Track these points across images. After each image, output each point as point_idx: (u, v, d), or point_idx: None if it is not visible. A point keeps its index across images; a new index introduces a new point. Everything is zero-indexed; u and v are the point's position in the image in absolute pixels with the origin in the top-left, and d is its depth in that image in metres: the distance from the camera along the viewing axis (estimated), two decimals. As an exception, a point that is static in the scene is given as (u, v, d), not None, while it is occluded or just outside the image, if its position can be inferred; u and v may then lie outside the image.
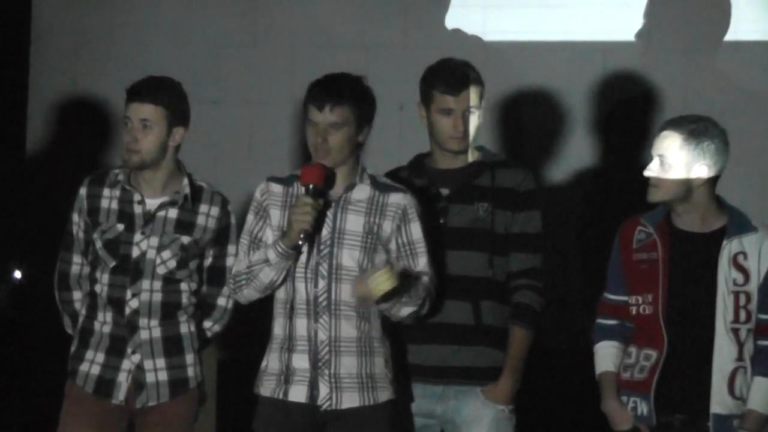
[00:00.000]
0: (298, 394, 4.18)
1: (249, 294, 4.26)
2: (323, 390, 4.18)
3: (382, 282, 4.04)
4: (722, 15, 5.74)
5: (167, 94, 4.36)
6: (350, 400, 4.19)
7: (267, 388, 4.23)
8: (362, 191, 4.26)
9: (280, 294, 4.25)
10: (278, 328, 4.25)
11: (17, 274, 5.88)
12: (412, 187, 4.40)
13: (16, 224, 5.84)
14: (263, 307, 4.35)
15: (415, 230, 4.28)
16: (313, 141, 4.20)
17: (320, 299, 4.19)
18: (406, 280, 4.14)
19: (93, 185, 4.44)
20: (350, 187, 4.24)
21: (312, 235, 4.15)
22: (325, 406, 4.17)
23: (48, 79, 6.04)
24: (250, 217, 4.30)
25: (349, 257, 4.19)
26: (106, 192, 4.41)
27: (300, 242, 4.11)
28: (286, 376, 4.20)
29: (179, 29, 6.02)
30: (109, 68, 5.99)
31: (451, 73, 4.42)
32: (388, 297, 4.10)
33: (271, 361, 4.24)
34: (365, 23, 5.95)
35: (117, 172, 4.43)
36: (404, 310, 4.23)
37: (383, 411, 4.23)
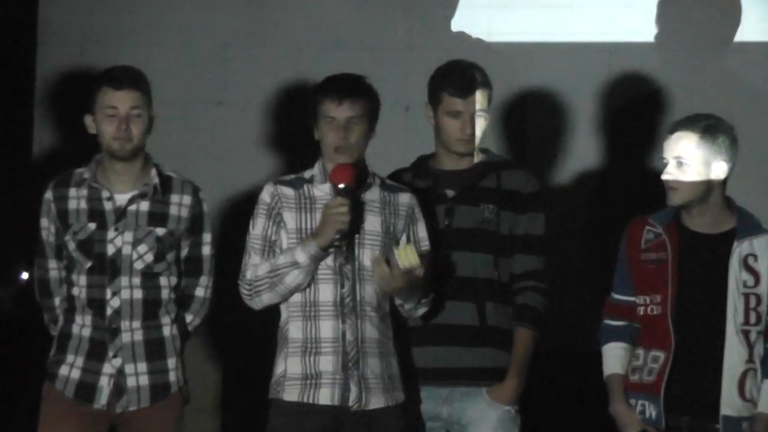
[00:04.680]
0: (328, 396, 4.16)
1: (269, 299, 4.22)
2: (354, 391, 4.17)
3: (406, 255, 4.04)
4: (728, 15, 5.74)
5: (144, 82, 4.35)
6: (377, 401, 4.19)
7: (291, 393, 4.18)
8: (373, 191, 4.27)
9: (296, 297, 4.22)
10: (296, 332, 4.21)
11: (24, 275, 5.88)
12: (416, 188, 4.41)
13: (23, 225, 5.83)
14: (268, 313, 4.34)
15: (421, 229, 4.31)
16: (332, 138, 4.19)
17: (346, 300, 4.18)
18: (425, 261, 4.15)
19: (58, 188, 4.38)
20: (365, 188, 4.25)
21: (347, 235, 4.14)
22: (354, 407, 4.16)
23: (54, 81, 6.05)
24: (261, 221, 4.26)
25: (371, 257, 4.19)
26: (72, 192, 4.35)
27: (337, 243, 4.11)
28: (314, 379, 4.17)
29: (184, 30, 6.01)
30: (114, 69, 5.99)
31: (461, 75, 4.43)
32: (409, 277, 4.09)
33: (292, 366, 4.20)
34: (370, 24, 5.94)
35: (81, 171, 4.38)
36: (420, 310, 4.27)
37: (401, 412, 4.25)
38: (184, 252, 4.39)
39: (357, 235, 4.19)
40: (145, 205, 4.32)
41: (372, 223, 4.23)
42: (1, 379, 5.70)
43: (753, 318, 4.14)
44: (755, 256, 4.16)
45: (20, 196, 5.82)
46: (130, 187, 4.33)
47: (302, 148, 5.58)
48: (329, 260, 4.18)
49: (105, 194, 4.32)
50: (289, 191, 4.26)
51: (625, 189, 5.66)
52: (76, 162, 5.90)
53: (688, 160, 4.13)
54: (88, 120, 4.36)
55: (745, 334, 4.14)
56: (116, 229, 4.30)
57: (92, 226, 4.31)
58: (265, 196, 4.27)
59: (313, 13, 5.96)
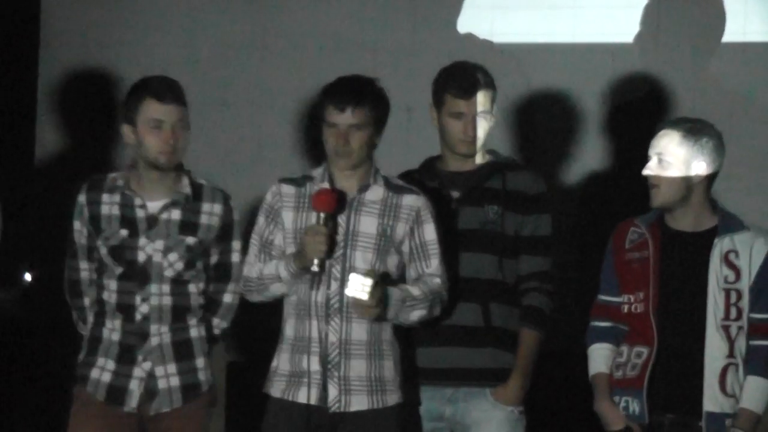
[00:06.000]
0: (307, 395, 4.18)
1: (258, 299, 4.30)
2: (332, 392, 4.18)
3: (356, 286, 4.04)
4: (729, 16, 5.74)
5: (183, 93, 4.36)
6: (359, 402, 4.19)
7: (277, 388, 4.24)
8: (375, 192, 4.26)
9: (292, 295, 4.25)
10: (289, 330, 4.25)
11: (27, 277, 5.89)
12: (423, 189, 4.40)
13: (26, 226, 5.85)
14: (272, 308, 4.36)
15: (428, 232, 4.28)
16: (333, 143, 4.20)
17: (332, 301, 4.19)
18: (388, 296, 4.14)
19: (92, 192, 4.41)
20: (364, 188, 4.24)
21: (325, 261, 4.15)
22: (333, 408, 4.18)
23: (57, 82, 6.05)
24: (261, 220, 4.30)
25: (362, 259, 4.20)
26: (105, 198, 4.38)
27: (314, 268, 4.12)
28: (298, 377, 4.20)
29: (187, 31, 6.02)
30: (117, 71, 5.99)
31: (464, 76, 4.43)
32: (376, 294, 4.07)
33: (282, 362, 4.25)
34: (373, 25, 5.94)
35: (114, 176, 4.40)
36: (413, 314, 4.23)
37: (392, 414, 4.24)
38: (214, 259, 4.41)
39: (350, 236, 4.19)
40: (176, 214, 4.35)
41: (367, 224, 4.23)
42: (4, 380, 5.70)
43: (734, 313, 4.18)
44: (736, 252, 4.19)
45: (23, 198, 5.82)
46: (163, 195, 4.36)
47: (304, 149, 5.59)
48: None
49: (138, 202, 4.35)
50: (290, 189, 4.29)
51: (627, 189, 5.65)
52: (78, 163, 5.95)
53: (669, 157, 4.20)
54: (127, 130, 4.36)
55: (726, 329, 4.17)
56: (148, 237, 4.33)
57: (124, 232, 4.34)
58: (268, 194, 4.32)
59: (315, 14, 5.97)
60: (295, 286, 4.20)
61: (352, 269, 4.18)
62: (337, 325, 4.19)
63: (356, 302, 4.08)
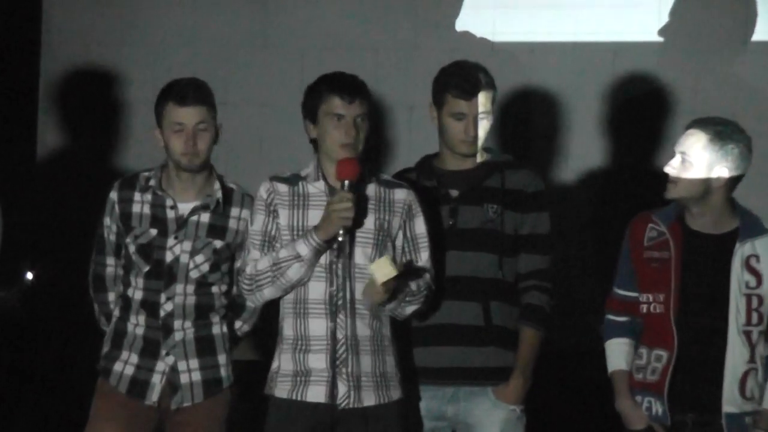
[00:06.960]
0: (317, 394, 4.17)
1: (269, 293, 4.23)
2: (342, 389, 4.17)
3: (382, 268, 4.04)
4: (731, 15, 5.74)
5: (209, 95, 4.41)
6: (367, 398, 4.19)
7: (282, 389, 4.22)
8: (368, 188, 4.28)
9: (289, 294, 4.24)
10: (289, 329, 4.24)
11: (28, 276, 5.89)
12: (421, 188, 4.41)
13: (28, 225, 5.85)
14: (269, 307, 4.36)
15: (419, 225, 4.30)
16: (341, 135, 4.20)
17: (336, 298, 4.19)
18: (406, 271, 4.16)
19: (123, 189, 4.46)
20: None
21: (350, 230, 4.15)
22: (343, 405, 4.17)
23: (58, 82, 6.06)
24: (261, 216, 4.29)
25: (363, 255, 4.20)
26: (137, 196, 4.43)
27: (340, 238, 4.11)
28: (303, 376, 4.20)
29: (189, 31, 6.02)
30: (118, 70, 6.01)
31: (465, 77, 4.42)
32: (390, 285, 4.08)
33: (284, 362, 4.24)
34: (374, 24, 5.95)
35: (147, 175, 4.45)
36: (409, 309, 4.25)
37: (396, 409, 4.25)
38: (239, 263, 4.42)
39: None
40: (206, 217, 4.40)
41: (365, 220, 4.23)
42: (5, 380, 5.71)
43: (755, 318, 4.17)
44: (757, 257, 4.18)
45: (24, 196, 5.83)
46: (193, 197, 4.41)
47: (305, 148, 5.60)
48: (321, 258, 4.19)
49: (169, 202, 4.39)
50: (283, 188, 4.29)
51: (628, 188, 5.66)
52: (79, 162, 5.96)
53: (692, 158, 4.17)
54: (156, 133, 4.41)
55: (747, 334, 4.16)
56: (176, 238, 4.38)
57: (153, 231, 4.39)
58: (262, 192, 4.31)
59: (316, 13, 5.97)
60: (313, 266, 4.17)
61: (354, 266, 4.19)
62: (343, 322, 4.19)
63: (376, 288, 4.07)
